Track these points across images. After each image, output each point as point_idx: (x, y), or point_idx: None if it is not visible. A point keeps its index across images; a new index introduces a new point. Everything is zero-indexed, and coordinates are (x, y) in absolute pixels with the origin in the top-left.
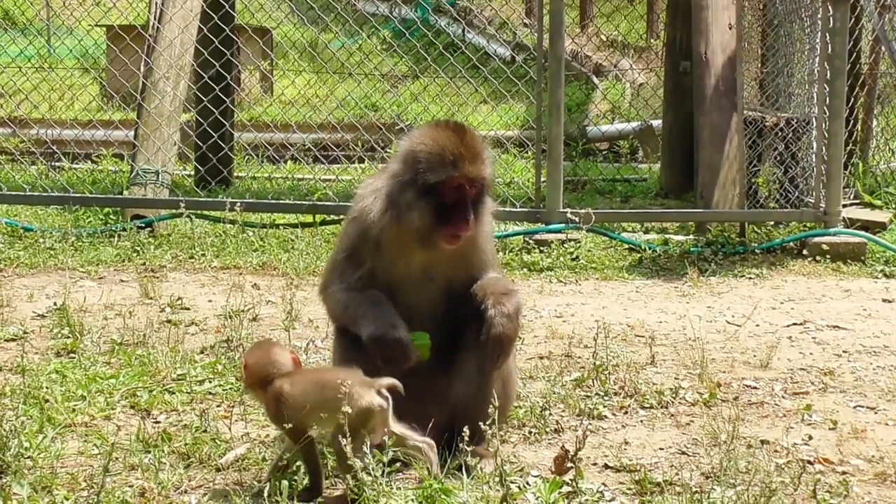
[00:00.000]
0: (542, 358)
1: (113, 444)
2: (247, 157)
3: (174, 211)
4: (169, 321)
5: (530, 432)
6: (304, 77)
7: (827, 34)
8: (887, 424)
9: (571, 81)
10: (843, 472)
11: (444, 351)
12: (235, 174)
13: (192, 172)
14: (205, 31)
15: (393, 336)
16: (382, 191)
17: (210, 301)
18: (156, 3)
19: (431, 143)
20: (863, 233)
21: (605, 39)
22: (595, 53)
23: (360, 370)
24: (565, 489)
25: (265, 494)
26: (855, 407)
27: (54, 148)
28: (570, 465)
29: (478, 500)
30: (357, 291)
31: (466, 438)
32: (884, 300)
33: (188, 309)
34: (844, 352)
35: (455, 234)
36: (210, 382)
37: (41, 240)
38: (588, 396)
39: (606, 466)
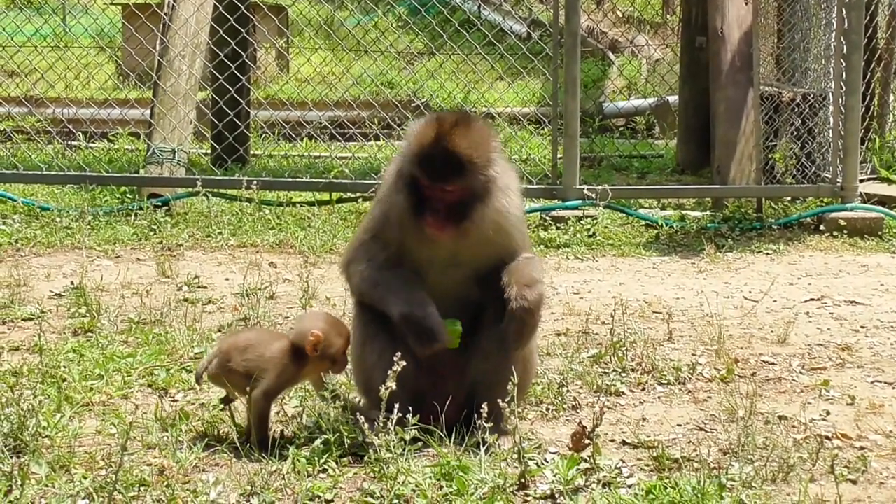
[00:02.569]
0: (559, 335)
1: (130, 423)
2: (263, 136)
3: (191, 189)
4: (186, 300)
5: (548, 409)
6: (319, 55)
7: (843, 9)
8: None
9: (587, 58)
10: (861, 448)
11: (466, 330)
12: (252, 152)
13: (209, 151)
14: (220, 8)
15: (425, 317)
16: (394, 174)
17: (227, 279)
18: None
19: (414, 140)
20: (880, 208)
21: (620, 15)
22: (611, 30)
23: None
24: (583, 466)
25: (284, 471)
26: (873, 382)
27: (70, 127)
28: (587, 441)
29: (496, 477)
30: (387, 270)
31: (485, 415)
32: None
33: (205, 287)
34: (862, 327)
35: (433, 233)
36: None
37: (58, 219)
38: (605, 373)
39: (624, 443)
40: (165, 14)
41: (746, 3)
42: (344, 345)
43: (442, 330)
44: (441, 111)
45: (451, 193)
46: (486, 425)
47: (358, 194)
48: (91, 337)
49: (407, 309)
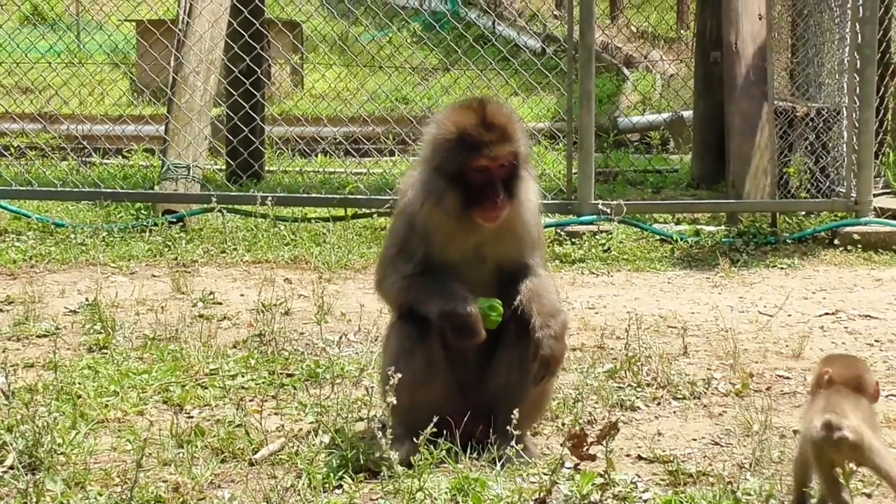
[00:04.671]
0: (574, 350)
1: (146, 440)
2: (278, 151)
3: (205, 206)
4: (201, 316)
5: (563, 424)
6: (334, 70)
7: (857, 23)
8: None
9: (602, 73)
10: None
11: (489, 340)
12: (266, 168)
13: (224, 167)
14: (234, 25)
15: (464, 310)
16: (419, 180)
17: (242, 295)
18: None
19: (452, 127)
20: (894, 222)
21: (635, 30)
22: (625, 45)
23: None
24: (598, 481)
25: (300, 487)
26: (887, 396)
27: (85, 143)
28: (587, 448)
29: (511, 492)
30: (418, 275)
31: (502, 431)
32: None
33: (220, 303)
34: (876, 341)
35: (490, 215)
36: (243, 377)
37: (72, 235)
38: (621, 388)
39: (640, 458)
40: (180, 30)
41: (760, 18)
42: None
43: (478, 321)
44: (456, 101)
45: (504, 168)
46: (504, 441)
47: (373, 210)
48: (106, 353)
49: (444, 304)
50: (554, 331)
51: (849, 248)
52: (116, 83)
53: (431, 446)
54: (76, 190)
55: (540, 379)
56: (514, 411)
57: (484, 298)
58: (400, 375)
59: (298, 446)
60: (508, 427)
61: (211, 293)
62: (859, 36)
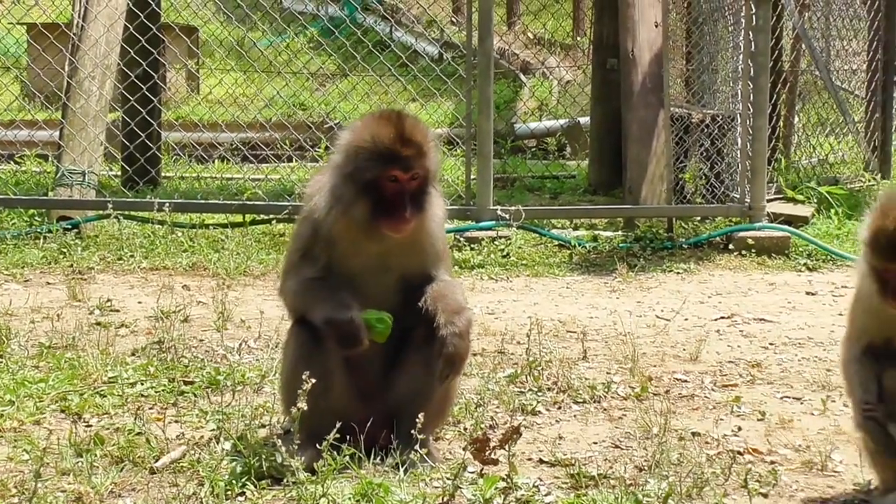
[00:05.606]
0: (475, 355)
1: (44, 449)
2: (175, 157)
3: (101, 212)
4: (98, 323)
5: (465, 429)
6: (231, 76)
7: (750, 32)
8: (813, 414)
9: (499, 79)
10: (772, 462)
11: (394, 346)
12: (163, 174)
13: (119, 173)
14: (131, 29)
15: (345, 317)
16: (327, 185)
17: (140, 302)
18: (80, 1)
19: (369, 136)
20: (786, 227)
21: (532, 37)
22: (522, 51)
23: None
24: (501, 485)
25: (202, 495)
26: (782, 398)
27: None
28: (490, 451)
29: (415, 497)
30: (314, 280)
31: (405, 436)
32: (807, 293)
33: (118, 311)
34: (771, 344)
35: (397, 227)
36: (142, 385)
37: None
38: (522, 392)
39: (542, 461)
40: (74, 34)
41: (657, 26)
42: None
43: (361, 329)
44: (375, 111)
45: (415, 182)
46: (407, 446)
47: (272, 216)
48: (1, 362)
49: (327, 311)
50: (459, 328)
51: (743, 252)
52: (7, 87)
53: (335, 452)
54: None
55: (445, 377)
56: (419, 416)
57: (375, 311)
58: (302, 381)
59: (200, 454)
60: (413, 431)
61: (108, 300)
62: (753, 44)
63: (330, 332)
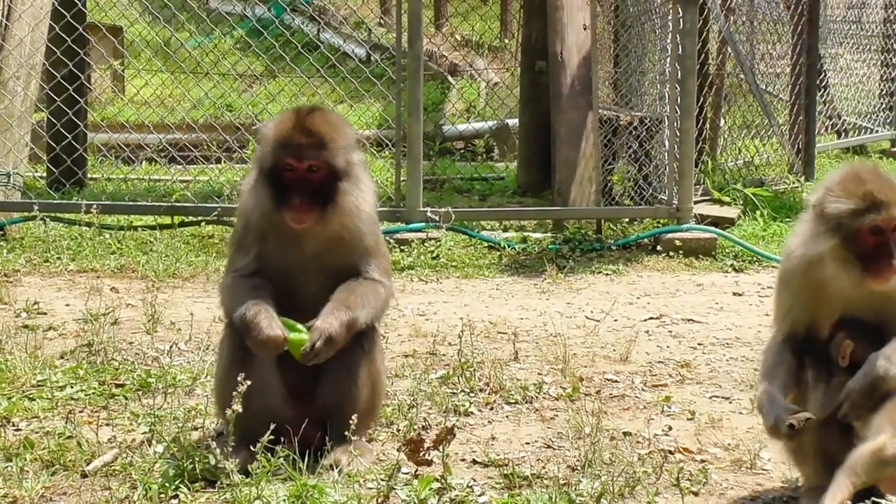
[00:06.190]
0: (407, 356)
1: None
2: (101, 158)
3: (27, 214)
4: (25, 326)
5: (398, 430)
6: (158, 77)
7: (677, 35)
8: (741, 413)
9: (428, 81)
10: (703, 461)
11: None
12: (90, 176)
13: (45, 174)
14: (56, 29)
15: (256, 319)
16: (251, 180)
17: (68, 305)
18: (4, 0)
19: (273, 128)
20: (713, 228)
21: (460, 39)
22: (451, 53)
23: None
24: (435, 485)
25: (135, 498)
26: (711, 397)
27: None
28: (423, 452)
29: (350, 499)
30: (242, 278)
31: (337, 437)
32: (734, 293)
33: (45, 314)
34: (699, 344)
35: (295, 217)
36: (72, 388)
37: None
38: (454, 393)
39: (475, 462)
40: None
41: (585, 29)
42: None
43: (272, 332)
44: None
45: (315, 173)
46: (339, 447)
47: (200, 218)
48: None
49: (241, 312)
50: (341, 316)
51: (671, 254)
52: None
53: (269, 454)
54: None
55: (310, 350)
56: (353, 416)
57: (290, 321)
58: (235, 383)
59: (132, 457)
60: (346, 433)
61: (35, 303)
62: (680, 48)
63: (243, 332)
